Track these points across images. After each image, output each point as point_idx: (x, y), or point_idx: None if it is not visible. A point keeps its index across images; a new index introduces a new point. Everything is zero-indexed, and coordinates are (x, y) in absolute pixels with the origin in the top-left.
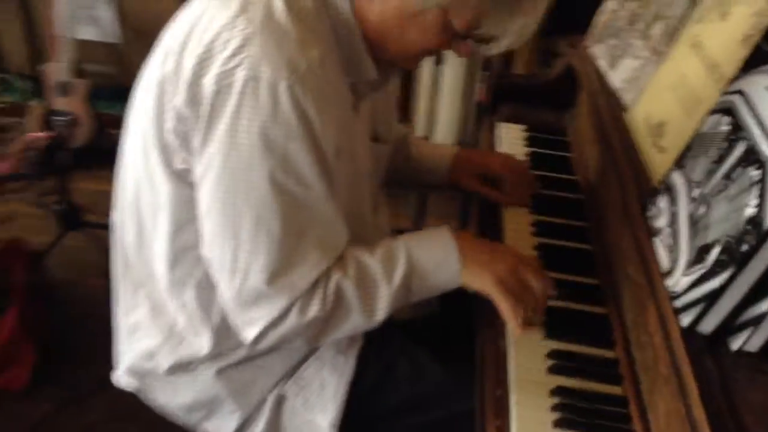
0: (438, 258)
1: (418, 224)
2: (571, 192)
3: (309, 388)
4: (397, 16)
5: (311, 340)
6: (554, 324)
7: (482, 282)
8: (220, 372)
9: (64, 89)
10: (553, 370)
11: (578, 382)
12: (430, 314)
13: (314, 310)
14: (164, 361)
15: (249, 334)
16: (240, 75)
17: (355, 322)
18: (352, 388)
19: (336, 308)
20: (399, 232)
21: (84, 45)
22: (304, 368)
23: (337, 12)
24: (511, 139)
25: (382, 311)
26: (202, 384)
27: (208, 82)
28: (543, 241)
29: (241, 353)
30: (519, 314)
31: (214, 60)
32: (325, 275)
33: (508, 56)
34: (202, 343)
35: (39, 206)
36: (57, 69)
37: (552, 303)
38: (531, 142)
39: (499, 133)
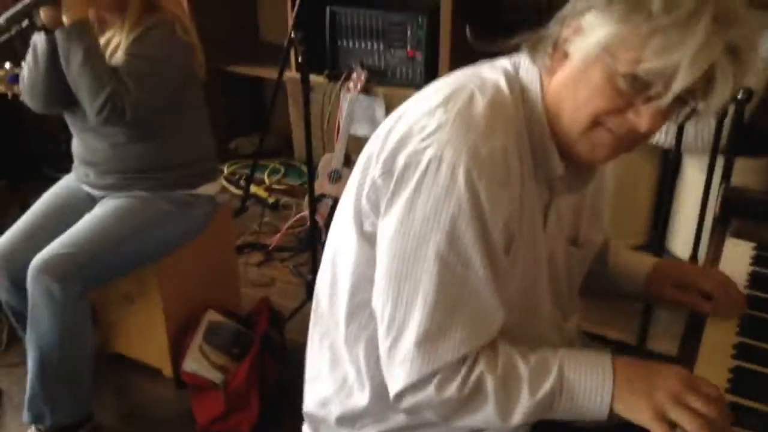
0: (590, 384)
1: (641, 339)
2: None
3: None
4: (568, 79)
5: (444, 417)
6: None
7: (639, 414)
8: None
9: (335, 177)
10: None
11: None
12: (605, 427)
13: (452, 389)
14: (335, 410)
15: (391, 388)
16: (427, 154)
17: (487, 418)
18: None
19: (472, 397)
20: (620, 345)
21: (354, 138)
22: None
23: (532, 107)
24: (736, 256)
25: (517, 417)
26: None
27: (401, 158)
28: (741, 365)
29: (400, 420)
30: None
31: (410, 141)
32: (471, 361)
33: None
34: (364, 398)
35: (294, 275)
36: (332, 159)
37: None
38: (757, 260)
39: (725, 249)
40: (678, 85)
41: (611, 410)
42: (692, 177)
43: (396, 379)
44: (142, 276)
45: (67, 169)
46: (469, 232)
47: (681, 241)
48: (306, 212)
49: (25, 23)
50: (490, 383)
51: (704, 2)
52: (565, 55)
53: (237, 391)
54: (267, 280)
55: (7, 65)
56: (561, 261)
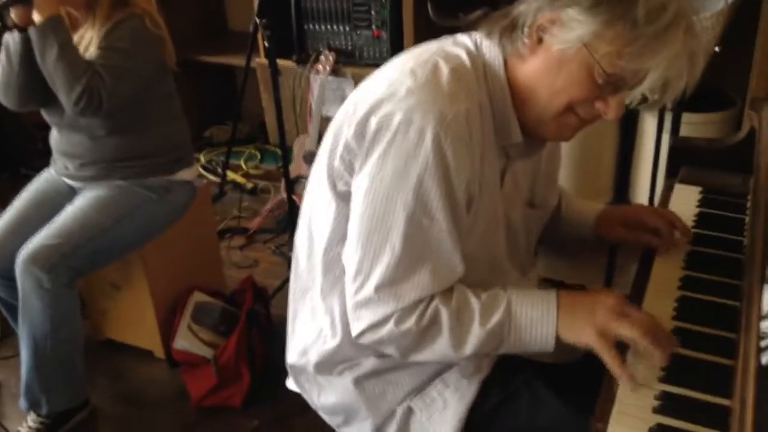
0: (535, 315)
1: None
2: (732, 252)
3: (433, 405)
4: (545, 68)
5: (403, 351)
6: (673, 370)
7: (583, 336)
8: (356, 381)
9: (310, 158)
10: (658, 410)
11: (681, 423)
12: (572, 362)
13: (410, 322)
14: (313, 358)
15: (354, 329)
16: (397, 118)
17: (442, 349)
18: (472, 410)
19: (428, 329)
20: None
21: (327, 120)
22: (431, 387)
23: (494, 78)
24: (684, 199)
25: (469, 348)
26: (342, 389)
27: (373, 121)
28: (686, 294)
29: (372, 364)
30: (624, 365)
31: (382, 106)
32: (428, 298)
33: None
34: (336, 344)
35: (277, 255)
36: (306, 141)
37: (677, 350)
38: (703, 203)
39: (674, 194)
40: (646, 85)
41: (558, 338)
42: (651, 133)
43: (360, 321)
44: (127, 263)
45: (44, 167)
46: (434, 188)
47: (643, 193)
48: (284, 195)
49: None
50: (445, 315)
51: (681, 16)
52: (539, 41)
53: (227, 364)
54: (250, 261)
55: None
56: (518, 221)
